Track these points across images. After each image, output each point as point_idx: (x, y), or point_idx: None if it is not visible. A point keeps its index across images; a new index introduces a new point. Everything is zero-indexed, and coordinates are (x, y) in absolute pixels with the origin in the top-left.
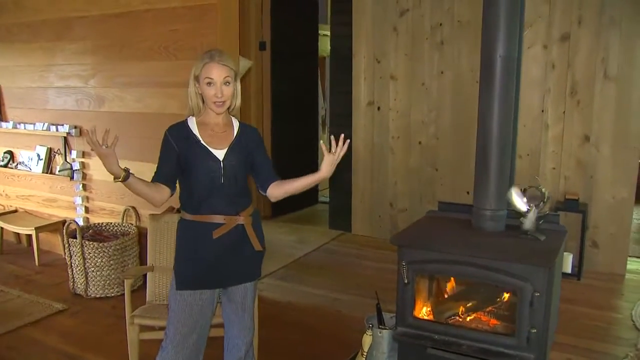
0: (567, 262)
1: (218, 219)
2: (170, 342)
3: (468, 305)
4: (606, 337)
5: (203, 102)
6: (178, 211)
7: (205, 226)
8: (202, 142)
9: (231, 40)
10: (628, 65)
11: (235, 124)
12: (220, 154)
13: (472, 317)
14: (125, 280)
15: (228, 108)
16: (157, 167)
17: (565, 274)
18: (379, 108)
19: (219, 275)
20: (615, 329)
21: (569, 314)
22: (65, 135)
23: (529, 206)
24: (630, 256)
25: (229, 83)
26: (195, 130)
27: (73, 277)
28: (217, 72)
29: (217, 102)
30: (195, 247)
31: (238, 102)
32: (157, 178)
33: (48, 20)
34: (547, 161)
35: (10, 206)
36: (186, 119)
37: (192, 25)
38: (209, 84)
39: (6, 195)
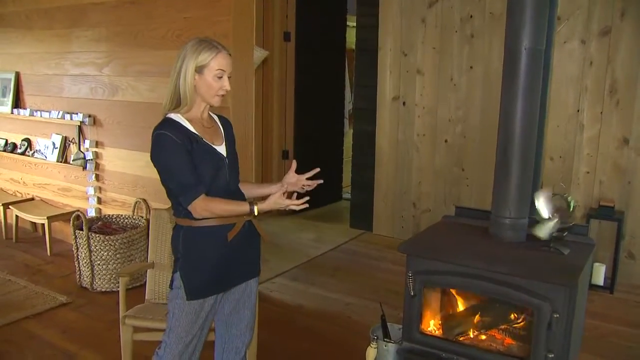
0: (599, 274)
1: (229, 220)
2: (170, 351)
3: (480, 322)
4: None
5: None
6: None
7: (217, 230)
8: (205, 140)
9: (246, 28)
10: None
11: (214, 117)
12: (222, 150)
13: (484, 336)
14: (120, 278)
15: None
16: (189, 176)
17: (596, 286)
18: (404, 103)
19: (229, 277)
20: None
21: (598, 331)
22: (79, 124)
23: (552, 215)
24: None
25: (230, 75)
26: (192, 128)
27: (80, 270)
28: (227, 63)
29: (223, 95)
30: (208, 254)
31: None
32: (203, 188)
33: (63, 7)
34: (581, 164)
35: (28, 194)
36: (169, 117)
37: (205, 12)
38: (220, 76)
39: (24, 183)
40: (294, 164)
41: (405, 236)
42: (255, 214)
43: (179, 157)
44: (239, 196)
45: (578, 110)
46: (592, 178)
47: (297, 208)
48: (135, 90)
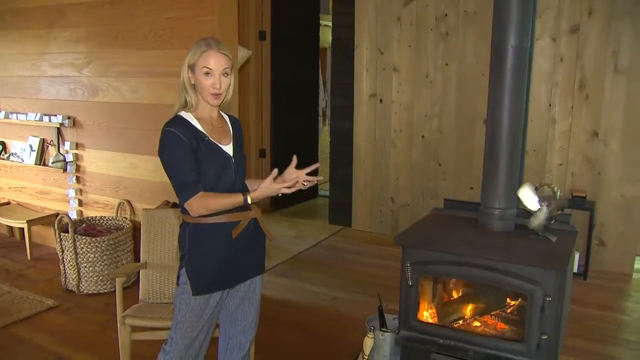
0: (574, 261)
1: (234, 217)
2: (176, 346)
3: (474, 308)
4: (615, 340)
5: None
6: (174, 205)
7: (222, 227)
8: (212, 139)
9: (230, 28)
10: (639, 58)
11: (225, 116)
12: (229, 149)
13: (478, 321)
14: (116, 278)
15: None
16: (189, 174)
17: None
18: (381, 100)
19: (235, 274)
20: (625, 332)
21: (576, 315)
22: (58, 125)
23: (540, 205)
24: (638, 255)
25: (227, 74)
26: (199, 127)
27: (65, 273)
28: (216, 61)
29: (215, 94)
30: (214, 251)
31: (230, 95)
32: (201, 187)
33: (41, 7)
34: (554, 157)
35: (3, 198)
36: (179, 115)
37: (189, 12)
38: (206, 73)
39: None
40: (294, 160)
41: (384, 231)
42: (249, 202)
43: (181, 155)
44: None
45: (550, 105)
46: (564, 170)
47: (289, 191)
48: (117, 91)
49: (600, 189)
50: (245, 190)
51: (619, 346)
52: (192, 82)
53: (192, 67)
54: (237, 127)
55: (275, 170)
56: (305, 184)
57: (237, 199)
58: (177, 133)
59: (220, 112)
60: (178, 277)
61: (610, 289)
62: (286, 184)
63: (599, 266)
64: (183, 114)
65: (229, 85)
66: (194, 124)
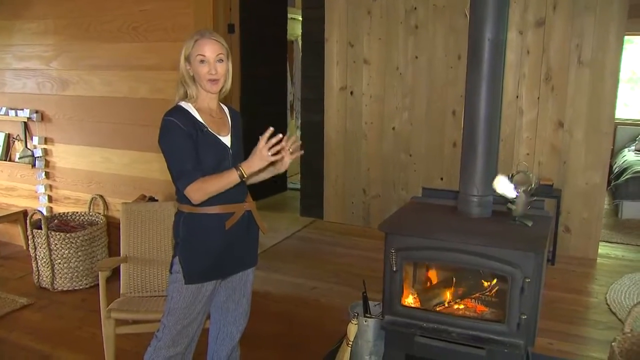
0: None
1: (229, 208)
2: (168, 332)
3: (455, 292)
4: (584, 321)
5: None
6: (151, 199)
7: (216, 217)
8: (210, 129)
9: (206, 22)
10: (602, 51)
11: (225, 108)
12: (226, 140)
13: (459, 304)
14: (100, 272)
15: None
16: (187, 162)
17: None
18: (352, 93)
19: (227, 264)
20: (592, 313)
21: (546, 298)
22: (25, 120)
23: (518, 192)
24: (601, 241)
25: (222, 60)
26: (199, 117)
27: (38, 270)
28: (209, 48)
29: (211, 80)
30: (207, 241)
31: (228, 83)
32: (199, 174)
33: None
34: (521, 147)
35: None
36: (179, 105)
37: (165, 4)
38: (201, 61)
39: None
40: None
41: (356, 222)
42: (245, 176)
43: (180, 143)
44: (241, 185)
45: (517, 96)
46: (532, 159)
47: (276, 158)
48: (88, 84)
49: (566, 177)
50: (242, 183)
51: (588, 326)
52: (191, 73)
53: (188, 58)
54: (235, 119)
55: (270, 129)
56: (291, 150)
57: (232, 174)
58: (176, 121)
59: (220, 103)
60: (171, 265)
61: (577, 274)
62: (271, 149)
63: (566, 252)
64: (183, 104)
65: (226, 73)
66: (193, 114)
